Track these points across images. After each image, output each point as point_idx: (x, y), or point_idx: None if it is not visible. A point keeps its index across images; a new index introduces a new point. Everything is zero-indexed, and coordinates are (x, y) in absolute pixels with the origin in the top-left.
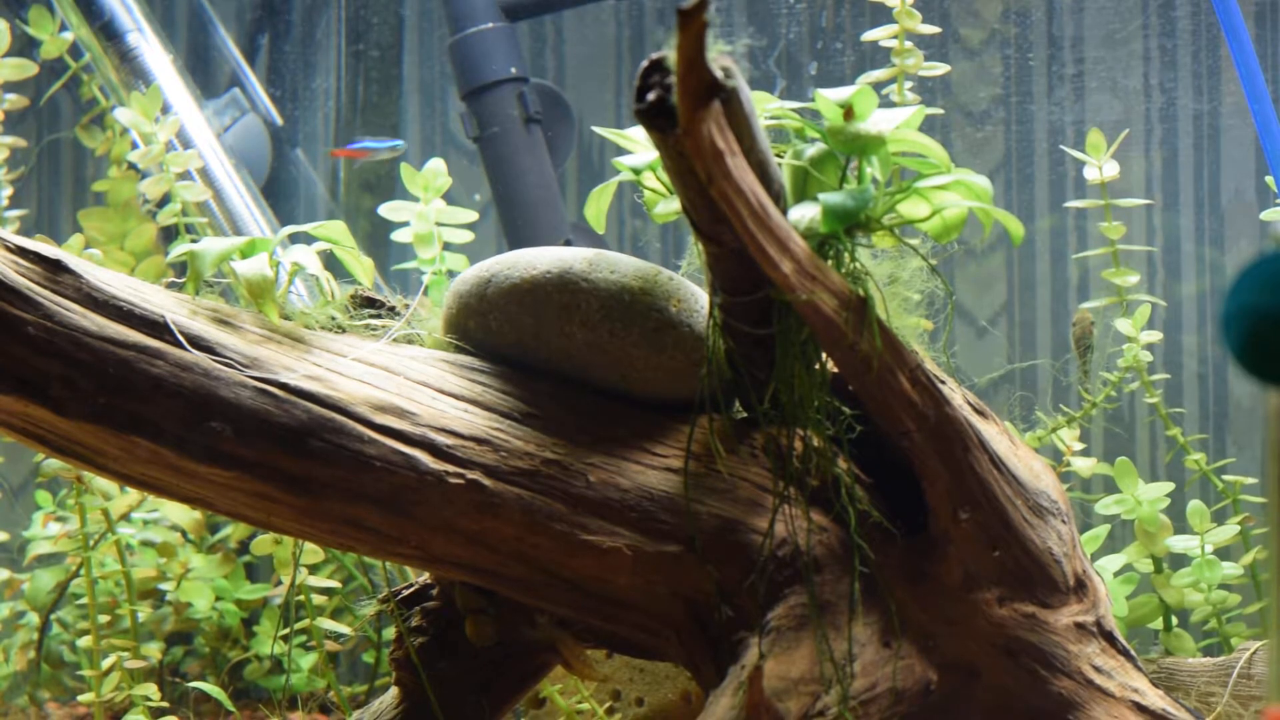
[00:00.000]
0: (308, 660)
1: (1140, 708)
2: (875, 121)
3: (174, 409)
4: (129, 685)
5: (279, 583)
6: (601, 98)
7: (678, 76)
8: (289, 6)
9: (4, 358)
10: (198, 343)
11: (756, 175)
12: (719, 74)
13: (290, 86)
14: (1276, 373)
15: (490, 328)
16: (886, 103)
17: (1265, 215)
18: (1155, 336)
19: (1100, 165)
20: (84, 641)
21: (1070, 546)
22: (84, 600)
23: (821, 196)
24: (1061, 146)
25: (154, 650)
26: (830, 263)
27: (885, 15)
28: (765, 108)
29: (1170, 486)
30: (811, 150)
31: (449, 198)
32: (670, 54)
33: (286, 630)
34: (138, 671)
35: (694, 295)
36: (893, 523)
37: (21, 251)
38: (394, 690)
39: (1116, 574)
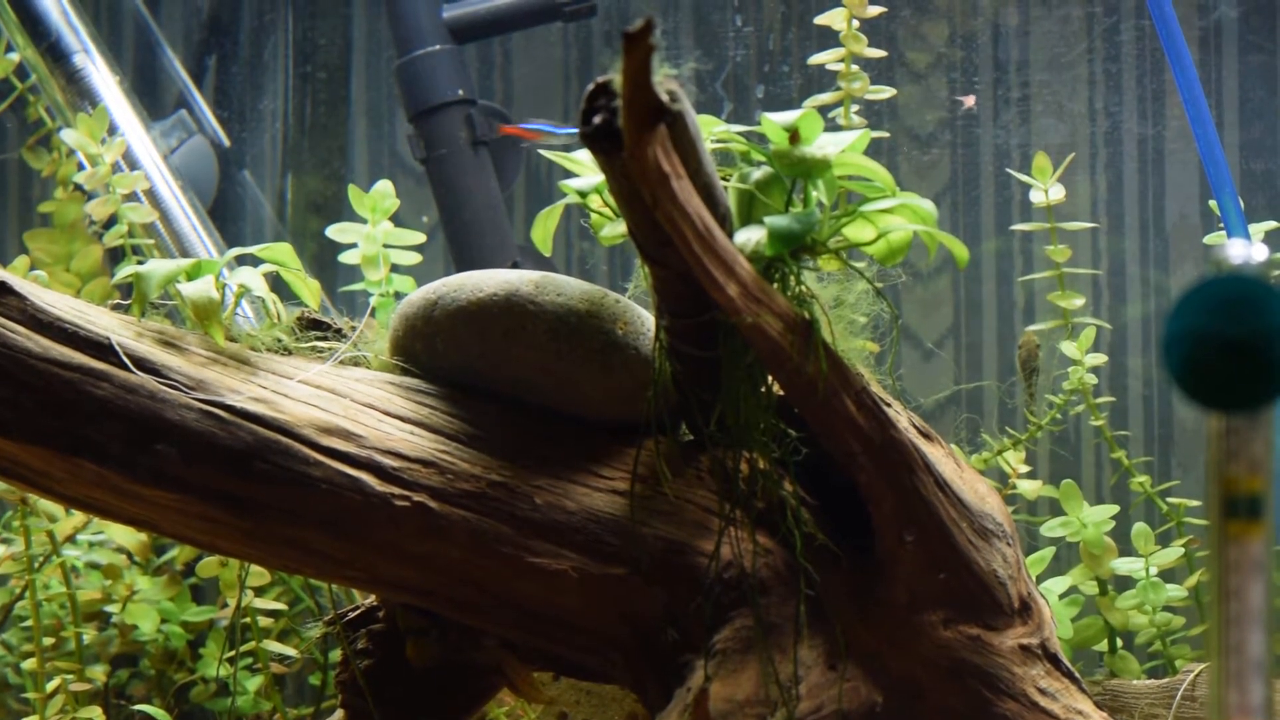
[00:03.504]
0: (254, 683)
1: None
2: (821, 145)
3: (119, 431)
4: (74, 708)
5: (225, 605)
6: (548, 119)
7: (623, 100)
8: (236, 28)
9: None
10: (143, 365)
11: (702, 198)
12: (665, 97)
13: (238, 108)
14: (1215, 397)
15: (437, 350)
16: (833, 126)
17: (1209, 239)
18: (1100, 359)
19: (1046, 189)
20: (28, 664)
21: (1015, 569)
22: (28, 622)
23: (767, 220)
24: (1007, 170)
25: (99, 673)
26: (776, 286)
27: (832, 39)
28: (711, 131)
29: (1115, 509)
30: (757, 174)
31: (396, 219)
32: (616, 77)
33: (232, 653)
34: (83, 694)
35: (640, 318)
36: (839, 545)
37: None
38: (340, 713)
39: (1061, 596)
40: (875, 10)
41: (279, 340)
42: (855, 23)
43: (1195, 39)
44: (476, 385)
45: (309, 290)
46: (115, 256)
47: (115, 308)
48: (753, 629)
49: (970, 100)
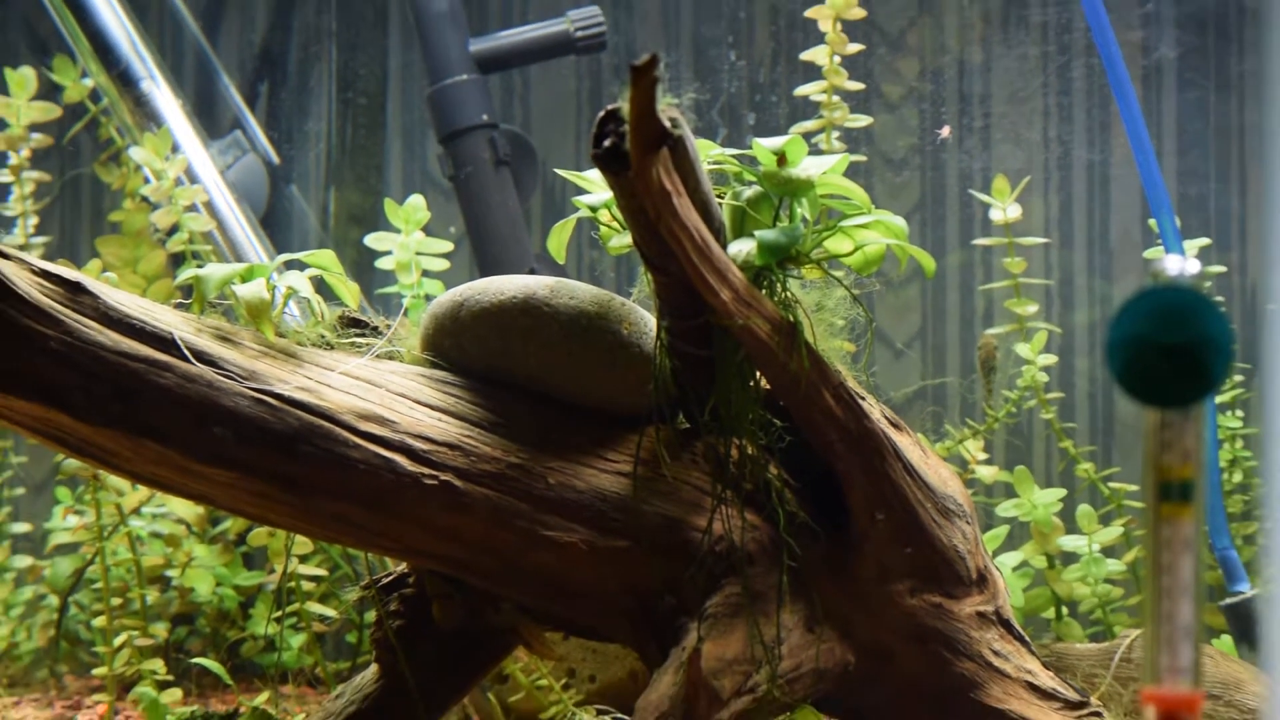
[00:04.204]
0: (298, 640)
1: (1033, 687)
2: (805, 167)
3: (180, 416)
4: (138, 661)
5: (272, 571)
6: (563, 143)
7: (630, 125)
8: (286, 57)
9: (29, 369)
10: (202, 357)
11: (700, 214)
12: (667, 123)
13: (286, 129)
14: (1153, 395)
15: (462, 346)
16: (816, 150)
17: (1148, 254)
18: (1051, 360)
19: (1004, 208)
20: (98, 621)
21: (973, 544)
22: (98, 585)
23: (757, 233)
24: (970, 191)
25: (161, 630)
26: (764, 292)
27: (815, 73)
28: (708, 154)
29: (1062, 492)
30: (749, 192)
31: (427, 230)
32: (624, 105)
33: (279, 613)
34: (146, 649)
35: (644, 319)
36: (817, 522)
37: (45, 274)
38: (374, 667)
39: (1014, 569)
40: (854, 48)
41: (322, 336)
42: (836, 58)
43: (1138, 76)
44: (498, 378)
45: (349, 292)
46: (177, 260)
47: (177, 306)
48: (741, 596)
49: (946, 130)
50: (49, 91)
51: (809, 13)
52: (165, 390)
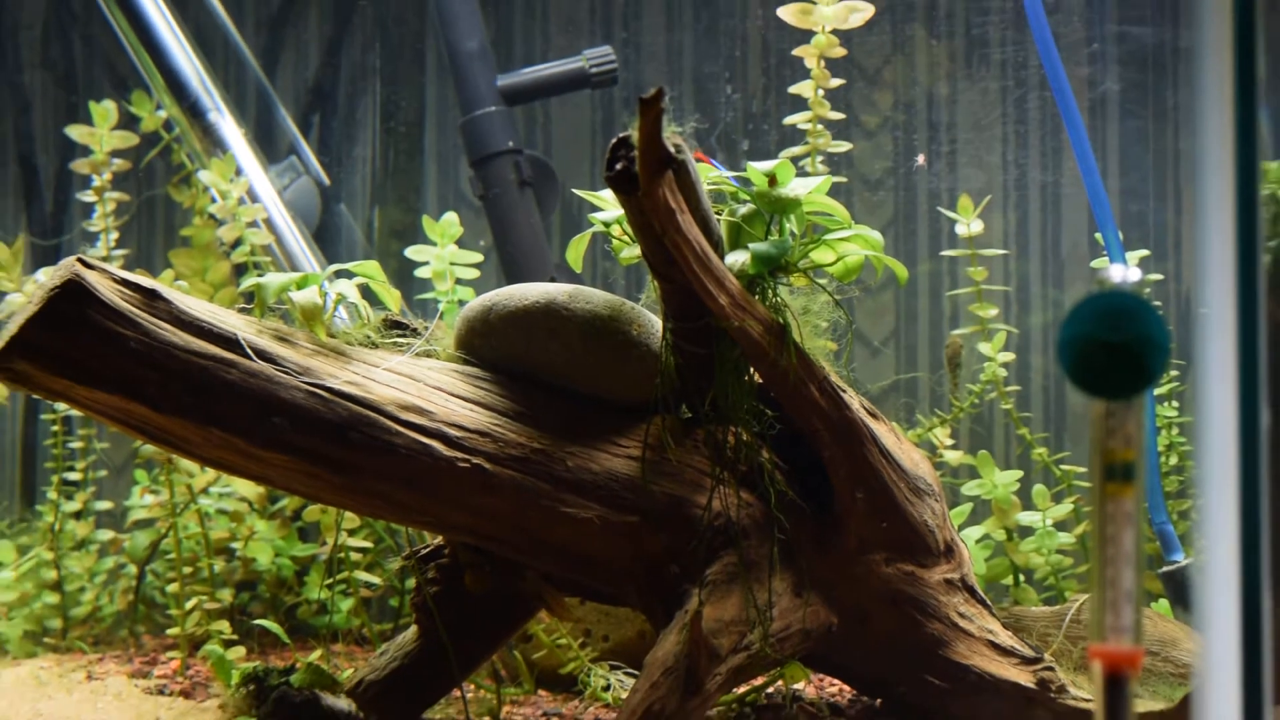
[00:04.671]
0: (346, 604)
1: (994, 645)
2: (793, 187)
3: (244, 407)
4: (206, 622)
5: (324, 543)
6: (580, 166)
7: (639, 151)
8: (335, 92)
9: (111, 366)
10: (263, 355)
11: (700, 229)
12: (671, 149)
13: (336, 155)
14: (1099, 388)
15: (492, 345)
16: (802, 173)
17: (1094, 263)
18: (1009, 357)
19: (968, 223)
20: (171, 588)
21: (941, 520)
22: (171, 555)
23: (751, 246)
24: (938, 208)
25: (226, 595)
26: (757, 297)
27: (802, 104)
28: (708, 176)
29: (1019, 474)
30: (743, 209)
31: (460, 243)
32: (634, 133)
33: (330, 580)
34: (213, 611)
35: (651, 321)
36: (804, 500)
37: (125, 283)
38: (414, 628)
39: (977, 541)
40: (836, 82)
41: (368, 337)
42: (820, 92)
43: (1085, 107)
44: (522, 373)
45: (391, 298)
46: (240, 270)
47: (241, 310)
48: (737, 565)
49: (921, 159)
50: (128, 122)
51: (796, 51)
52: (230, 384)
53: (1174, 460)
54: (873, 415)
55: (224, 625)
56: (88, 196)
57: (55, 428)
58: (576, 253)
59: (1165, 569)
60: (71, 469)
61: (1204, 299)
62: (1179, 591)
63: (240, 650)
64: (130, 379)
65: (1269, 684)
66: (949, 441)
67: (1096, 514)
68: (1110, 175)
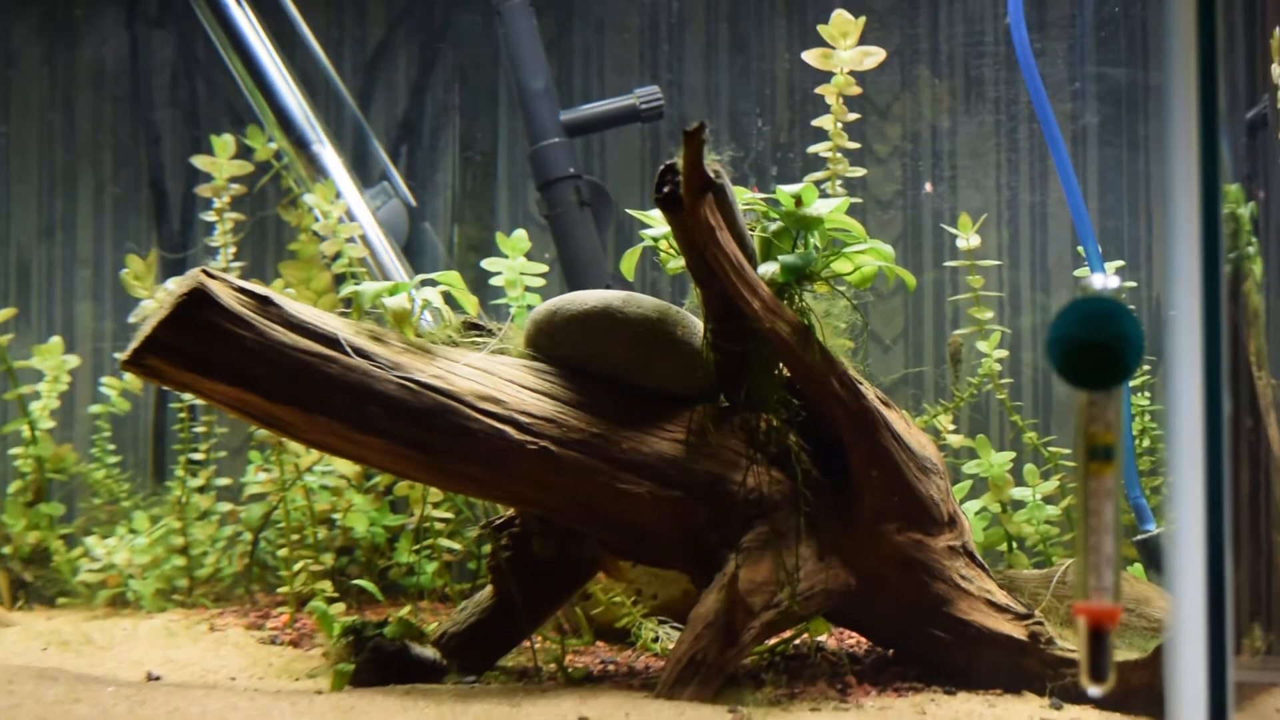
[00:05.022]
0: (431, 567)
1: (991, 603)
2: (816, 207)
3: (343, 397)
4: (311, 582)
5: (412, 514)
6: (631, 189)
7: (683, 176)
8: (421, 125)
9: (230, 361)
10: (360, 352)
11: (736, 243)
12: (711, 174)
13: (421, 180)
14: (1082, 380)
15: (556, 344)
16: (823, 195)
17: (1077, 273)
18: (1003, 354)
19: (967, 238)
20: (281, 552)
21: (945, 494)
22: (281, 524)
23: (780, 257)
24: (942, 225)
25: (328, 559)
26: (785, 302)
27: (823, 135)
28: (743, 197)
29: (1012, 454)
30: (773, 226)
31: (528, 256)
32: (678, 161)
33: (417, 546)
34: (317, 573)
35: (694, 323)
36: (826, 478)
37: (242, 290)
38: (489, 588)
39: (976, 513)
40: (853, 116)
41: (450, 337)
42: (839, 124)
43: (1069, 137)
44: (582, 368)
45: (469, 303)
46: (339, 280)
47: (340, 314)
48: (768, 534)
49: (929, 186)
50: (243, 153)
51: (818, 90)
52: (332, 377)
53: (1147, 443)
54: (885, 404)
55: (326, 585)
56: (210, 216)
57: (182, 415)
58: (629, 264)
59: (1140, 537)
60: (196, 450)
61: (1172, 303)
62: (1152, 557)
63: (340, 606)
64: (246, 373)
65: (1230, 637)
66: (951, 427)
67: (1080, 489)
68: (1090, 196)
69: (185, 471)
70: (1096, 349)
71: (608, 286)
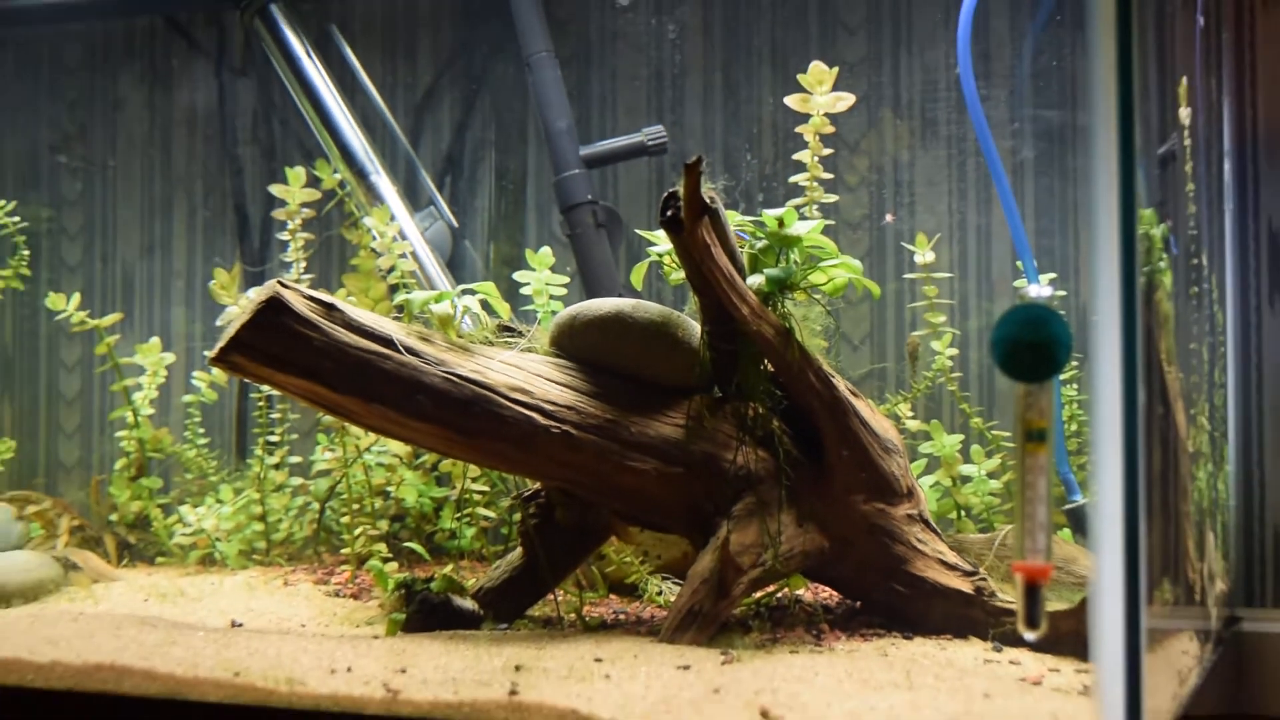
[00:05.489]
0: (470, 532)
1: (943, 562)
2: (796, 228)
3: (397, 388)
4: (369, 544)
5: (454, 487)
6: (639, 213)
7: (684, 202)
8: (462, 159)
9: (301, 358)
10: (410, 350)
11: (728, 259)
12: (707, 200)
13: (463, 205)
14: (1020, 374)
15: (576, 343)
16: (802, 218)
17: (1016, 284)
18: (954, 352)
19: (924, 254)
20: (344, 519)
21: (904, 471)
22: (344, 496)
23: (765, 270)
24: (902, 243)
25: (383, 525)
26: (770, 308)
27: (802, 167)
28: (734, 220)
29: (961, 437)
30: (760, 244)
31: (553, 269)
32: (679, 189)
33: (458, 514)
34: (374, 536)
35: (692, 326)
36: (803, 456)
37: (311, 298)
38: (519, 550)
39: (930, 486)
40: (827, 151)
41: (486, 337)
42: (815, 158)
43: (1009, 169)
44: (598, 364)
45: (503, 309)
46: (393, 289)
47: (394, 318)
48: (755, 504)
49: (890, 217)
50: (313, 182)
51: (798, 129)
52: (386, 372)
53: (1074, 427)
54: (854, 394)
55: (382, 547)
56: (284, 236)
57: (260, 403)
58: (638, 276)
59: (1068, 506)
60: (272, 433)
61: (1096, 309)
62: (1078, 523)
63: (394, 565)
64: (314, 367)
65: (1144, 591)
66: (909, 413)
67: (1018, 466)
68: (1027, 218)
69: (263, 451)
70: (1033, 348)
71: (620, 295)
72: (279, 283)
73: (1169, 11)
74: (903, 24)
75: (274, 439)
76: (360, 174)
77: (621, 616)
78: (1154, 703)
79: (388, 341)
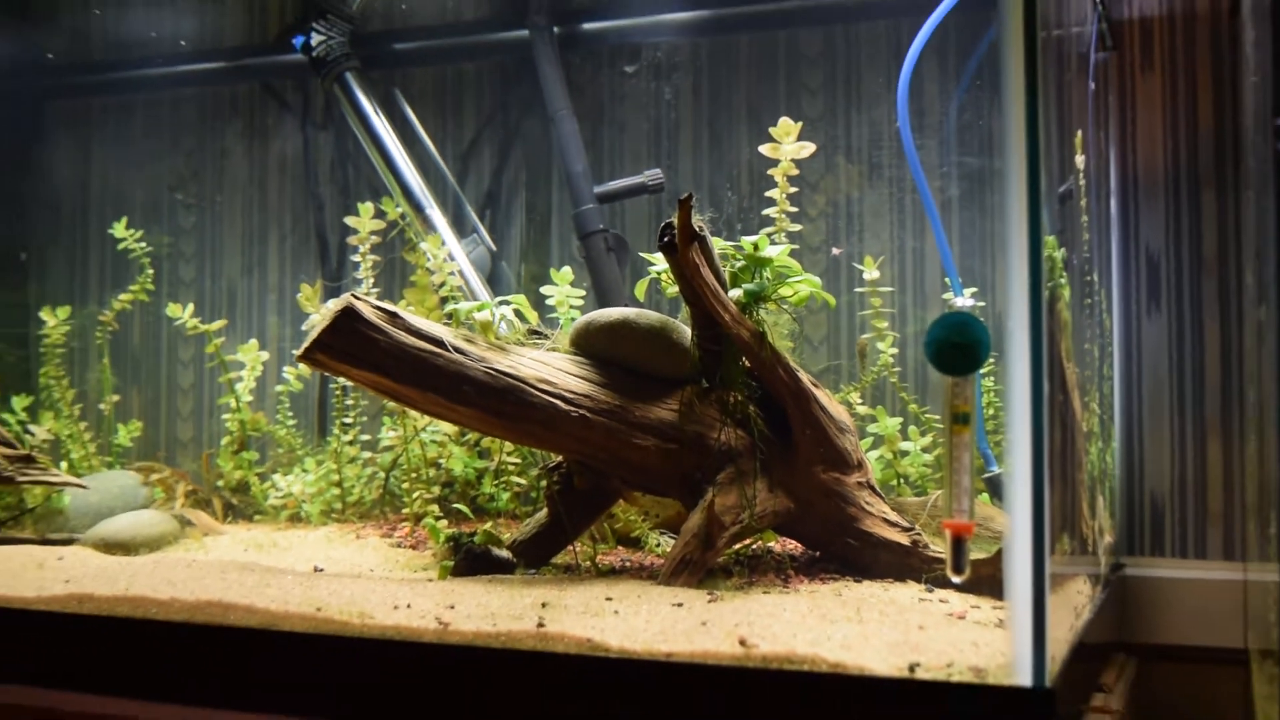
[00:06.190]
0: (505, 495)
1: (886, 520)
2: (767, 251)
3: (447, 380)
4: (424, 506)
5: (493, 459)
6: (642, 239)
7: (677, 230)
8: (499, 195)
9: (370, 356)
10: (457, 350)
11: (713, 276)
12: (697, 229)
13: (499, 232)
14: (948, 368)
15: (591, 344)
16: (773, 243)
17: (945, 296)
18: (895, 351)
19: (870, 272)
20: (404, 485)
21: (855, 447)
22: (404, 466)
23: (744, 285)
24: (853, 264)
25: (435, 490)
26: (747, 316)
27: (772, 202)
28: (718, 245)
29: (900, 420)
30: (739, 264)
31: (572, 285)
32: (673, 219)
33: (496, 481)
34: (428, 499)
35: (685, 330)
36: (774, 435)
37: (378, 308)
38: (545, 510)
39: (876, 459)
40: (793, 190)
41: (518, 339)
42: (784, 195)
43: (940, 204)
44: (608, 360)
45: (532, 317)
46: (444, 301)
47: (444, 324)
48: (735, 473)
49: (837, 250)
50: (379, 214)
51: (770, 171)
52: (438, 367)
53: (991, 412)
54: (815, 385)
55: (434, 507)
56: (356, 258)
57: (337, 391)
58: (641, 290)
59: (986, 475)
60: (347, 416)
61: (1010, 316)
62: (995, 489)
63: (444, 522)
64: (380, 363)
65: (1047, 543)
66: (859, 400)
67: (947, 443)
68: (954, 244)
69: (339, 430)
70: (958, 348)
71: (626, 305)
72: (352, 295)
73: (1066, 79)
74: (854, 87)
75: (348, 421)
76: (417, 208)
77: (627, 564)
78: (1055, 633)
79: (439, 342)
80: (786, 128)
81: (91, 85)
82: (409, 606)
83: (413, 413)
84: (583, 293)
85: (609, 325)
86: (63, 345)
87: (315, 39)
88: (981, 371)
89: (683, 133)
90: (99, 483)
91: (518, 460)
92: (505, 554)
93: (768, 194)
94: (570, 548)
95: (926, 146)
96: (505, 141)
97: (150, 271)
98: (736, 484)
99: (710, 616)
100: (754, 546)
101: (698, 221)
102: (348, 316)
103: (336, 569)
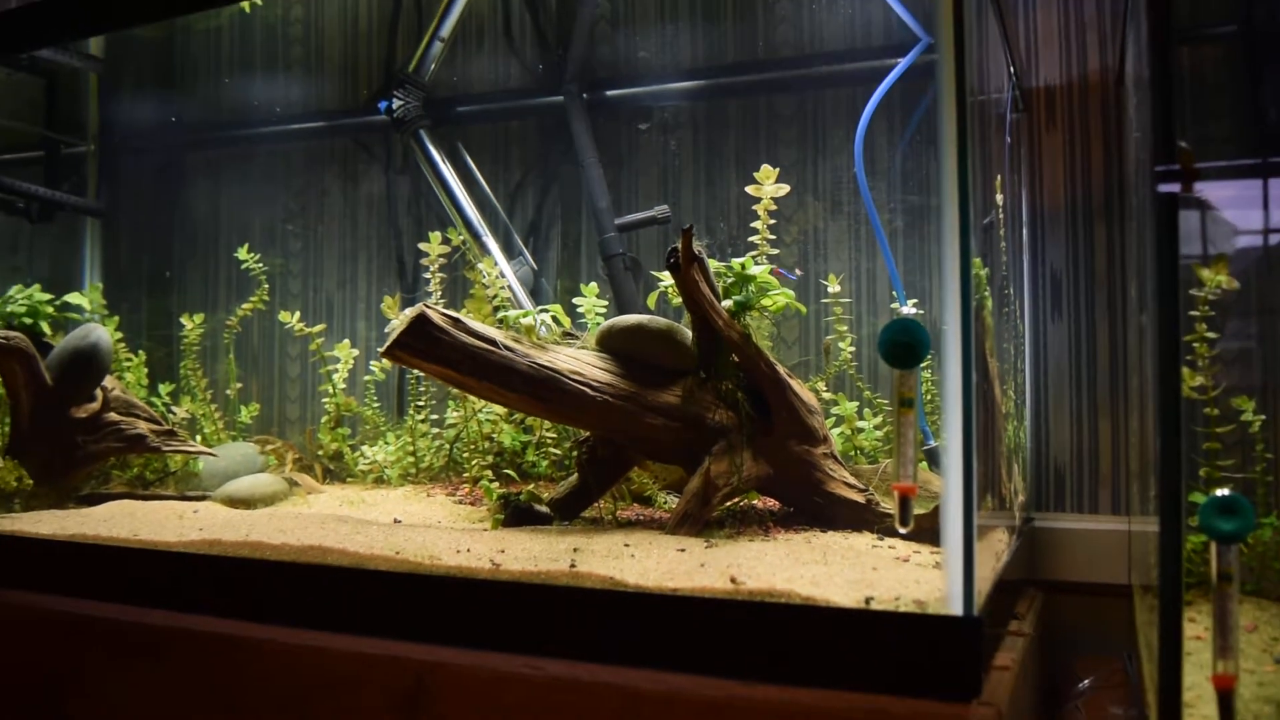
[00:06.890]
0: (545, 462)
1: (846, 483)
2: (752, 270)
3: (499, 372)
4: (480, 471)
5: (535, 434)
6: (653, 260)
7: (681, 253)
8: (540, 226)
9: (439, 353)
10: (506, 348)
11: (710, 289)
12: (696, 252)
13: (540, 255)
14: (896, 362)
15: (612, 343)
16: (757, 263)
17: (893, 306)
18: (853, 349)
19: (833, 287)
20: (465, 455)
21: (821, 425)
22: (465, 440)
23: (734, 297)
24: (820, 280)
25: (489, 458)
26: (736, 321)
27: (755, 231)
28: (713, 265)
29: (857, 404)
30: (729, 280)
31: (599, 297)
32: (678, 245)
33: (538, 452)
34: (483, 465)
35: (687, 332)
36: (758, 415)
37: (446, 315)
38: (576, 475)
39: (838, 435)
40: (772, 221)
41: (556, 340)
42: (765, 226)
43: (889, 233)
44: (627, 356)
45: (565, 322)
46: (496, 310)
47: (496, 328)
48: (726, 446)
49: (798, 271)
50: (445, 241)
51: (754, 207)
52: (492, 361)
53: (930, 397)
54: (790, 375)
55: (489, 473)
56: (427, 275)
57: (412, 380)
58: (652, 301)
59: (926, 448)
60: (420, 399)
61: (945, 321)
62: (933, 459)
63: (496, 484)
64: (447, 359)
65: (975, 502)
66: (825, 388)
67: (896, 422)
68: (900, 264)
69: (414, 411)
70: (904, 346)
71: (640, 313)
72: (425, 305)
73: (988, 134)
74: (820, 138)
75: (421, 403)
76: (475, 236)
77: (641, 518)
78: (981, 573)
79: (493, 342)
80: (767, 172)
81: (222, 140)
82: (469, 550)
83: (471, 397)
84: (606, 303)
85: (627, 328)
86: (198, 344)
87: (395, 103)
88: (922, 365)
89: (684, 176)
90: (225, 452)
91: (555, 435)
92: (544, 509)
93: (752, 225)
94: (595, 505)
95: (878, 187)
96: (545, 183)
97: (266, 286)
98: (727, 454)
99: (707, 559)
100: (741, 504)
101: (697, 247)
102: (421, 321)
103: (411, 521)
